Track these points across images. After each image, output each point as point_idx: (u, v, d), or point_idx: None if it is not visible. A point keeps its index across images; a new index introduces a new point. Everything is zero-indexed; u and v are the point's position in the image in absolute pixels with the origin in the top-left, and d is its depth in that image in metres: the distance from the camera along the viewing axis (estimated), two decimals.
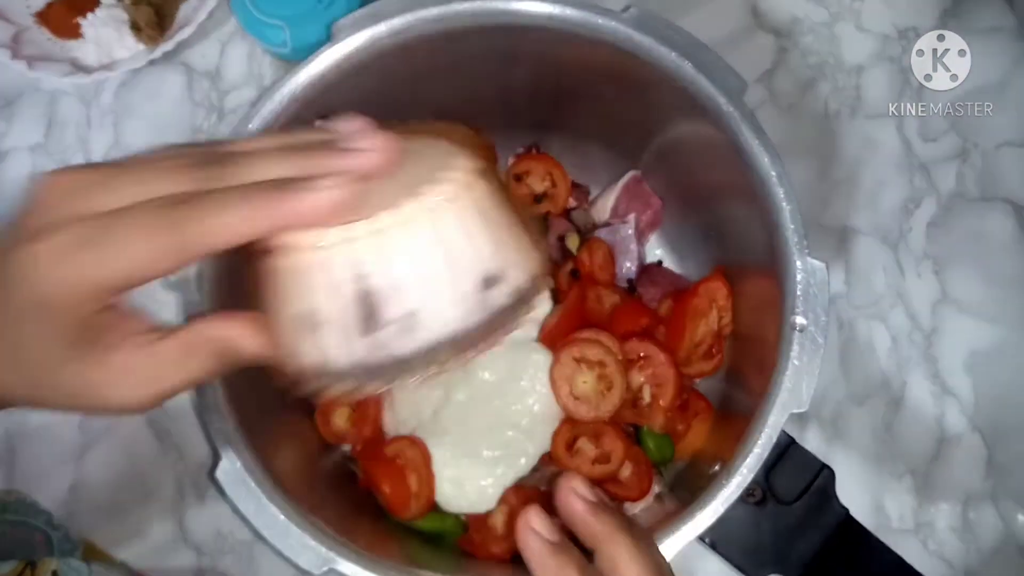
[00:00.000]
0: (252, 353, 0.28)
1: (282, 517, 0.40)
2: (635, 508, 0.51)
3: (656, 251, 0.60)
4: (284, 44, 0.58)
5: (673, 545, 0.40)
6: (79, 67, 0.62)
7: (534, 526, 0.31)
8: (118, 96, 0.64)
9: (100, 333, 0.26)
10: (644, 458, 0.51)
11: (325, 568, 0.39)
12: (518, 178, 0.58)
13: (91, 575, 0.46)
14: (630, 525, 0.31)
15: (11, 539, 0.50)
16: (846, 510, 0.44)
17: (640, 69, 0.45)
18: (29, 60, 0.61)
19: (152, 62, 0.61)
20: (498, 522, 0.50)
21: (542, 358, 0.50)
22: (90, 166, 0.26)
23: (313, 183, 0.25)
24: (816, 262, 0.42)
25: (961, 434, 0.58)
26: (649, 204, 0.57)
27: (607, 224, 0.57)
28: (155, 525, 0.56)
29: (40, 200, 0.25)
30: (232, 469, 0.40)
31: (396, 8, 0.45)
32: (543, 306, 0.52)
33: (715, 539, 0.43)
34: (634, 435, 0.52)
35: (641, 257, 0.58)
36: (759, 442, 0.40)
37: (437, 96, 0.53)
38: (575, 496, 0.31)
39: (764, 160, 0.44)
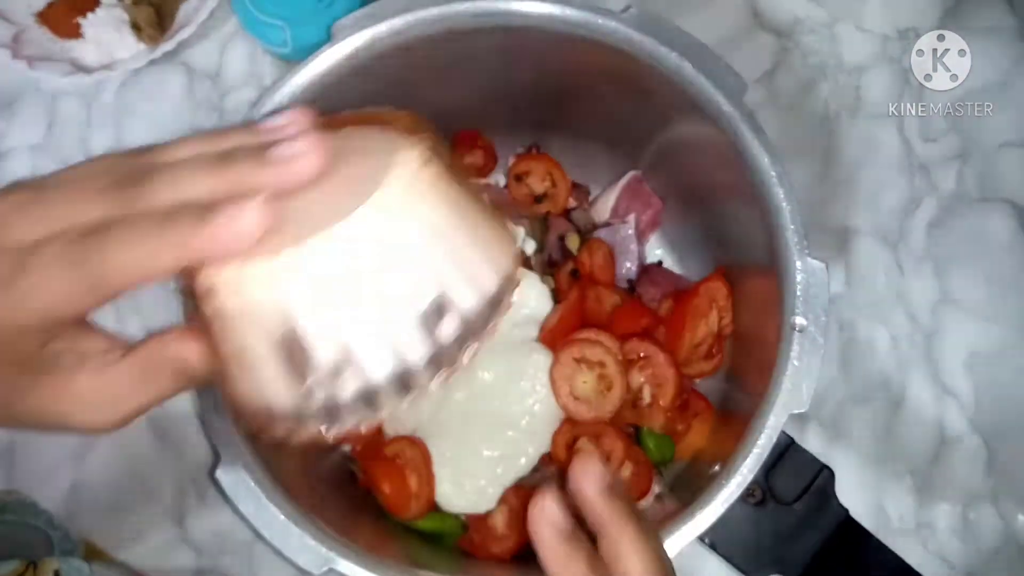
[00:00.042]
0: (207, 373, 0.27)
1: (282, 517, 0.40)
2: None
3: (656, 251, 0.60)
4: (284, 44, 0.58)
5: (673, 545, 0.40)
6: (79, 67, 0.62)
7: (547, 512, 0.30)
8: (118, 96, 0.64)
9: (55, 359, 0.26)
10: (644, 458, 0.51)
11: (325, 568, 0.39)
12: (518, 178, 0.58)
13: (92, 575, 0.46)
14: (638, 516, 0.31)
15: (11, 539, 0.50)
16: (846, 510, 0.44)
17: (640, 69, 0.45)
18: (29, 60, 0.61)
19: (152, 62, 0.62)
20: (498, 522, 0.50)
21: (542, 358, 0.50)
22: (10, 191, 0.24)
23: (225, 209, 0.22)
24: (816, 262, 0.42)
25: (961, 435, 0.58)
26: (649, 204, 0.57)
27: (607, 224, 0.57)
28: (155, 525, 0.56)
29: None
30: (232, 469, 0.40)
31: (396, 8, 0.45)
32: (543, 306, 0.52)
33: (715, 539, 0.43)
34: (634, 435, 0.52)
35: (641, 257, 0.58)
36: (759, 442, 0.40)
37: (437, 96, 0.53)
38: (590, 477, 0.30)
39: (764, 160, 0.44)
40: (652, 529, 0.31)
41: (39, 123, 0.64)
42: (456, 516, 0.51)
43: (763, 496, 0.43)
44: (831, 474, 0.44)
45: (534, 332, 0.51)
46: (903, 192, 0.63)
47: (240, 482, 0.40)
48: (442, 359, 0.24)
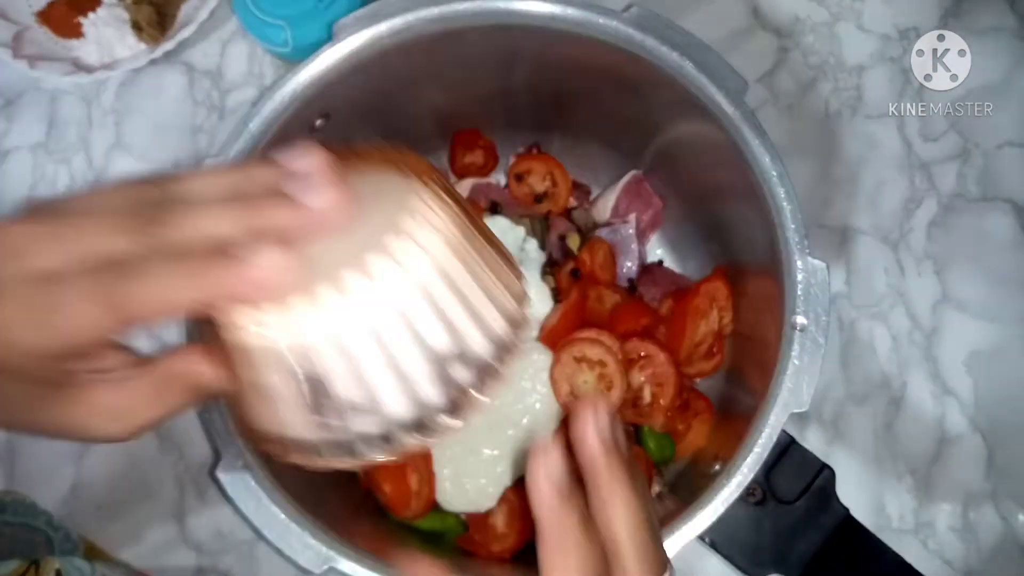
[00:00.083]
0: (222, 390, 0.28)
1: (282, 516, 0.40)
2: None
3: (657, 251, 0.60)
4: (285, 44, 0.58)
5: (673, 545, 0.40)
6: (80, 66, 0.62)
7: (551, 468, 0.28)
8: (119, 95, 0.64)
9: (75, 374, 0.27)
10: (645, 457, 0.51)
11: (325, 567, 0.39)
12: (519, 177, 0.58)
13: (94, 574, 0.46)
14: (634, 479, 0.30)
15: (11, 540, 0.50)
16: (846, 510, 0.44)
17: (641, 69, 0.45)
18: (30, 59, 0.61)
19: (153, 61, 0.62)
20: (499, 521, 0.50)
21: (543, 358, 0.50)
22: (32, 219, 0.25)
23: (253, 254, 0.23)
24: (817, 262, 0.42)
25: (961, 434, 0.58)
26: (650, 204, 0.57)
27: (608, 224, 0.57)
28: (155, 524, 0.56)
29: None
30: (233, 468, 0.40)
31: (397, 8, 0.45)
32: (544, 305, 0.52)
33: (715, 539, 0.43)
34: (634, 434, 0.52)
35: (642, 257, 0.58)
36: (759, 442, 0.40)
37: (438, 95, 0.53)
38: (593, 429, 0.29)
39: (765, 160, 0.44)
40: (646, 495, 0.30)
41: (40, 122, 0.64)
42: (456, 515, 0.51)
43: (763, 495, 0.43)
44: (832, 473, 0.44)
45: (535, 332, 0.51)
46: (903, 192, 0.63)
47: (240, 481, 0.40)
48: (458, 401, 0.25)
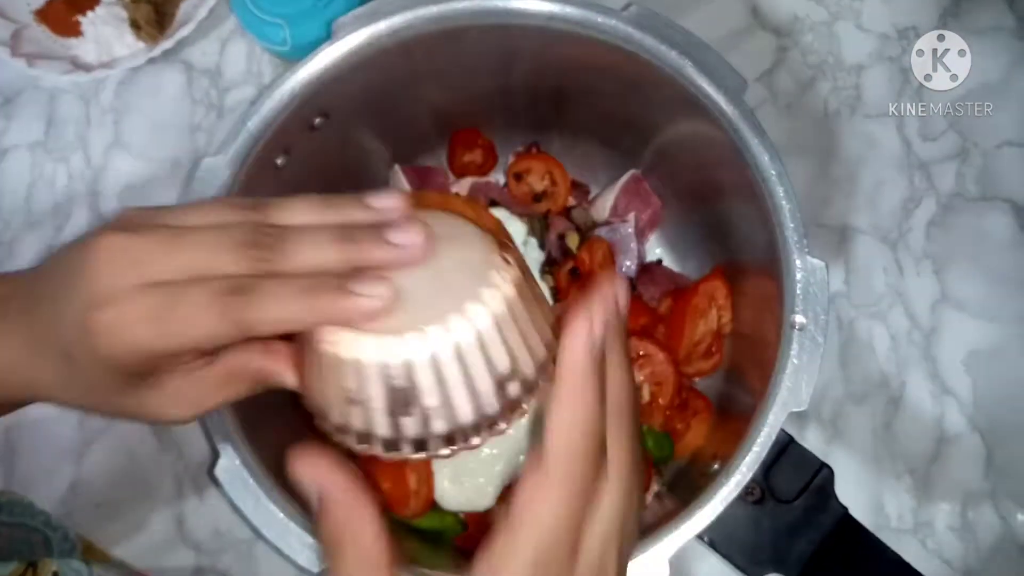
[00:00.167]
0: (290, 386, 0.31)
1: (281, 515, 0.40)
2: None
3: (656, 250, 0.60)
4: (284, 42, 0.58)
5: (672, 544, 0.40)
6: (79, 65, 0.62)
7: (595, 326, 0.28)
8: (118, 94, 0.64)
9: (155, 367, 0.29)
10: (644, 456, 0.51)
11: (324, 566, 0.39)
12: (518, 176, 0.58)
13: (91, 575, 0.46)
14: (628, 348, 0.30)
15: (9, 540, 0.50)
16: (845, 509, 0.44)
17: (640, 68, 0.45)
18: (29, 58, 0.61)
19: (152, 60, 0.61)
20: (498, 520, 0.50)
21: None
22: (149, 231, 0.27)
23: (362, 284, 0.27)
24: (816, 261, 0.42)
25: (960, 434, 0.58)
26: (649, 203, 0.57)
27: (607, 223, 0.57)
28: (154, 523, 0.56)
29: (103, 265, 0.27)
30: (231, 467, 0.40)
31: (396, 6, 0.45)
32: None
33: (714, 538, 0.43)
34: None
35: (641, 256, 0.58)
36: (758, 441, 0.40)
37: (437, 94, 0.53)
38: (584, 343, 0.27)
39: (764, 159, 0.44)
40: (629, 365, 0.30)
41: (38, 121, 0.64)
42: (455, 514, 0.51)
43: (762, 494, 0.43)
44: (830, 472, 0.44)
45: None
46: (903, 191, 0.63)
47: (239, 480, 0.40)
48: (509, 411, 0.29)
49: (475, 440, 0.29)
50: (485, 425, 0.29)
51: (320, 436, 0.30)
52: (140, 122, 0.64)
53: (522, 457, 0.50)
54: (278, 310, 0.26)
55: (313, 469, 0.27)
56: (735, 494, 0.40)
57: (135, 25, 0.63)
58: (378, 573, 0.27)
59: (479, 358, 0.27)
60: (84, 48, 0.63)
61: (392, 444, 0.28)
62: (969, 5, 0.66)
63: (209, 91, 0.64)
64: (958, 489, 0.57)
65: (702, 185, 0.53)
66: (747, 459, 0.40)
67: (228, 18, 0.65)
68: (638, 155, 0.57)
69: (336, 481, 0.27)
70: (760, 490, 0.44)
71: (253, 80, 0.64)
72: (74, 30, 0.64)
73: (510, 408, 0.29)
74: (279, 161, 0.46)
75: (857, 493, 0.57)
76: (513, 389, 0.29)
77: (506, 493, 0.50)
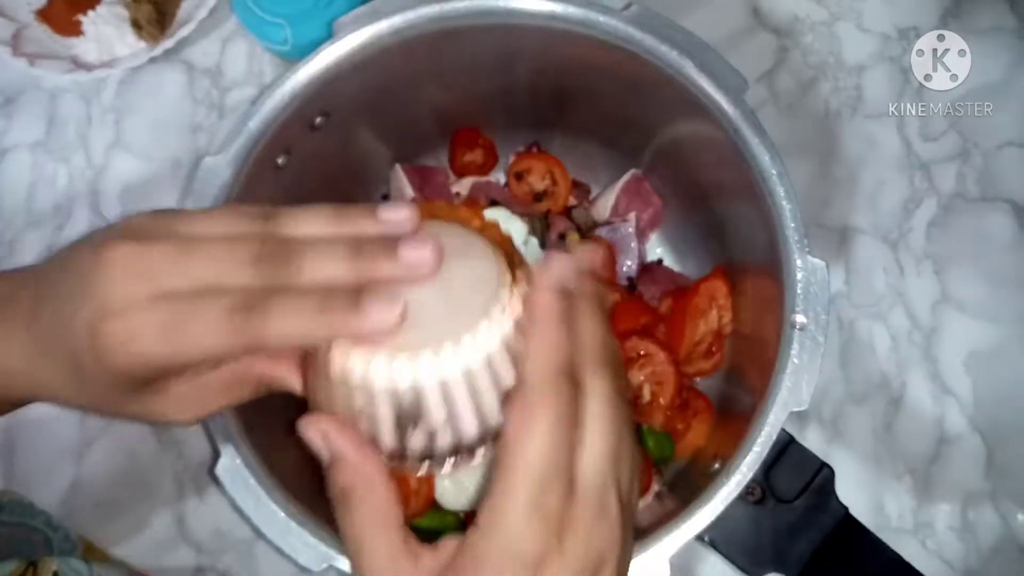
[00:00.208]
0: (295, 391, 0.31)
1: (282, 514, 0.40)
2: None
3: (657, 250, 0.60)
4: (285, 42, 0.58)
5: (673, 543, 0.40)
6: (80, 64, 0.62)
7: (561, 266, 0.29)
8: (119, 94, 0.64)
9: (163, 375, 0.29)
10: (644, 456, 0.51)
11: (325, 565, 0.39)
12: (519, 176, 0.58)
13: (92, 575, 0.46)
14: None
15: (10, 540, 0.50)
16: (846, 509, 0.44)
17: (641, 68, 0.45)
18: (30, 57, 0.61)
19: (153, 60, 0.62)
20: None
21: None
22: (159, 241, 0.27)
23: (375, 301, 0.27)
24: (816, 260, 0.42)
25: (961, 434, 0.58)
26: (650, 203, 0.57)
27: (608, 223, 0.57)
28: (155, 523, 0.56)
29: (114, 276, 0.27)
30: (232, 466, 0.40)
31: (397, 6, 0.45)
32: None
33: (715, 537, 0.43)
34: (634, 433, 0.52)
35: (642, 256, 0.58)
36: (759, 440, 0.40)
37: (438, 94, 0.53)
38: (550, 278, 0.28)
39: (765, 159, 0.44)
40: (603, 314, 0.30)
41: (39, 121, 0.64)
42: (456, 513, 0.51)
43: (763, 494, 0.43)
44: (831, 472, 0.44)
45: None
46: (903, 191, 0.63)
47: (240, 479, 0.40)
48: None
49: (479, 452, 0.29)
50: (489, 438, 0.29)
51: None
52: (141, 122, 0.64)
53: None
54: (289, 327, 0.26)
55: (324, 429, 0.28)
56: (735, 494, 0.40)
57: (136, 25, 0.63)
58: (387, 532, 0.27)
59: (487, 377, 0.28)
60: (85, 48, 0.63)
61: (396, 456, 0.29)
62: (970, 5, 0.66)
63: (210, 91, 0.64)
64: (958, 489, 0.57)
65: (703, 185, 0.53)
66: (747, 459, 0.40)
67: (229, 18, 0.65)
68: (639, 155, 0.57)
69: (347, 439, 0.28)
70: (761, 490, 0.44)
71: (254, 80, 0.65)
72: (75, 30, 0.64)
73: None
74: (280, 161, 0.46)
75: (857, 493, 0.57)
76: None
77: None
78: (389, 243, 0.28)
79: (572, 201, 0.59)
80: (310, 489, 0.44)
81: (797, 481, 0.44)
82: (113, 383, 0.28)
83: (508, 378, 0.28)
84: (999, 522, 0.57)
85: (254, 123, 0.43)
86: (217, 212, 0.29)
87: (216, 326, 0.26)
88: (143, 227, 0.28)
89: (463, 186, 0.59)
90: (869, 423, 0.58)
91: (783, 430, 0.41)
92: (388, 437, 0.28)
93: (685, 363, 0.52)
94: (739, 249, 0.51)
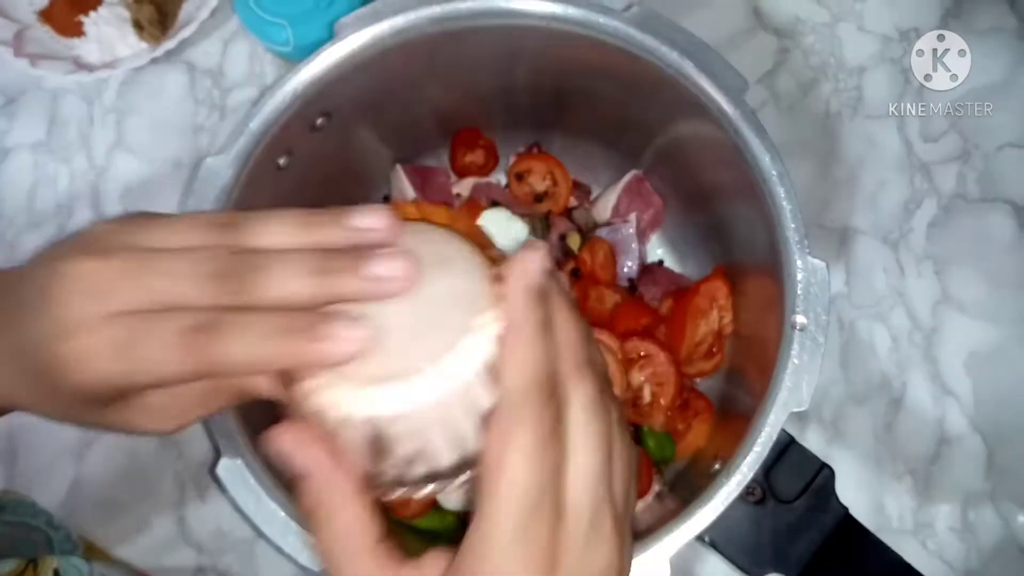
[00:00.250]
0: (271, 396, 0.30)
1: (282, 514, 0.40)
2: (636, 506, 0.51)
3: (657, 250, 0.60)
4: (286, 43, 0.58)
5: (673, 544, 0.40)
6: (81, 65, 0.62)
7: (533, 265, 0.26)
8: (120, 94, 0.65)
9: (130, 392, 0.28)
10: (644, 457, 0.51)
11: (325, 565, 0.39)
12: (519, 177, 0.58)
13: (92, 573, 0.46)
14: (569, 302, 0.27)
15: (10, 539, 0.50)
16: (846, 509, 0.44)
17: (641, 68, 0.45)
18: (31, 58, 0.61)
19: (154, 60, 0.62)
20: None
21: None
22: (116, 255, 0.26)
23: (335, 328, 0.25)
24: (817, 261, 0.42)
25: (961, 435, 0.58)
26: (650, 203, 0.57)
27: (608, 223, 0.57)
28: (155, 523, 0.56)
29: (69, 294, 0.26)
30: (233, 466, 0.40)
31: (398, 7, 0.45)
32: None
33: (715, 538, 0.43)
34: (635, 434, 0.52)
35: (642, 256, 0.58)
36: (759, 441, 0.40)
37: (438, 94, 0.53)
38: (521, 282, 0.26)
39: (765, 160, 0.44)
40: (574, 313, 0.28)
41: (41, 121, 0.64)
42: (455, 514, 0.51)
43: (763, 494, 0.43)
44: (831, 473, 0.44)
45: None
46: (903, 192, 0.63)
47: (240, 479, 0.40)
48: None
49: (460, 478, 0.27)
50: (469, 463, 0.26)
51: None
52: (142, 122, 0.64)
53: None
54: (245, 352, 0.25)
55: (291, 442, 0.26)
56: (736, 494, 0.40)
57: (138, 25, 0.63)
58: (358, 553, 0.26)
59: (461, 407, 0.25)
60: (87, 48, 0.64)
61: (368, 479, 0.27)
62: (970, 6, 0.66)
63: (211, 91, 0.64)
64: (959, 490, 0.57)
65: (703, 186, 0.53)
66: (748, 459, 0.40)
67: (230, 19, 0.65)
68: (639, 155, 0.57)
69: (314, 453, 0.26)
70: (761, 490, 0.44)
71: (255, 80, 0.65)
72: (77, 30, 0.64)
73: None
74: (281, 161, 0.46)
75: (858, 494, 0.57)
76: None
77: None
78: (358, 256, 0.26)
79: (573, 202, 0.59)
80: None
81: (797, 481, 0.44)
82: (82, 398, 0.27)
83: (488, 401, 0.25)
84: (999, 523, 0.57)
85: (255, 124, 0.43)
86: (178, 221, 0.27)
87: (169, 349, 0.25)
88: (103, 238, 0.27)
89: (464, 187, 0.59)
90: (869, 423, 0.58)
91: (783, 430, 0.41)
92: (358, 461, 0.26)
93: (686, 364, 0.52)
94: (739, 250, 0.51)
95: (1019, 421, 0.59)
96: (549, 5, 0.45)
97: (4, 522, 0.51)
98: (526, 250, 0.26)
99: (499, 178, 0.61)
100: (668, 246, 0.59)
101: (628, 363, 0.51)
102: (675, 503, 0.46)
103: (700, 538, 0.41)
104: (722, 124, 0.44)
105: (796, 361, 0.41)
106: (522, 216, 0.55)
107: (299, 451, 0.26)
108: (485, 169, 0.59)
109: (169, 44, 0.61)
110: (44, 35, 0.64)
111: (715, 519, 0.40)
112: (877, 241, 0.62)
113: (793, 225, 0.43)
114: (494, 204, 0.56)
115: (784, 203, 0.43)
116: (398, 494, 0.27)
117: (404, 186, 0.57)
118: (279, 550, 0.39)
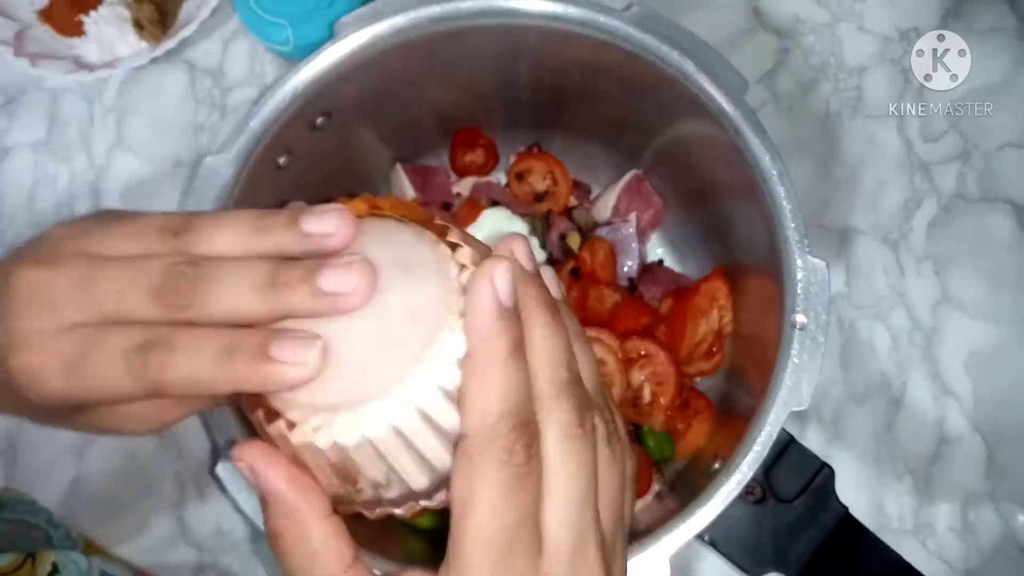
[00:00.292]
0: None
1: None
2: (635, 507, 0.51)
3: (657, 250, 0.60)
4: (286, 42, 0.58)
5: (673, 543, 0.40)
6: (82, 65, 0.62)
7: (496, 280, 0.23)
8: (120, 94, 0.65)
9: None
10: (644, 456, 0.51)
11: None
12: (519, 176, 0.58)
13: (91, 567, 0.46)
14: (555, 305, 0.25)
15: (10, 537, 0.50)
16: (846, 508, 0.44)
17: (642, 68, 0.46)
18: (32, 57, 0.61)
19: (155, 60, 0.62)
20: None
21: None
22: (66, 264, 0.25)
23: (284, 351, 0.23)
24: (817, 260, 0.42)
25: (961, 434, 0.58)
26: (650, 203, 0.58)
27: (608, 223, 0.57)
28: (155, 522, 0.56)
29: (20, 306, 0.25)
30: (233, 466, 0.40)
31: (398, 6, 0.45)
32: None
33: (715, 537, 0.43)
34: (634, 433, 0.52)
35: (642, 256, 0.58)
36: (759, 440, 0.40)
37: (439, 94, 0.53)
38: (488, 296, 0.23)
39: (765, 159, 0.44)
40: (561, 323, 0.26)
41: (41, 121, 0.64)
42: None
43: (763, 494, 0.43)
44: (831, 472, 0.44)
45: None
46: (903, 192, 0.63)
47: (241, 478, 0.40)
48: None
49: (437, 496, 0.25)
50: (445, 484, 0.25)
51: None
52: (143, 122, 0.64)
53: None
54: (191, 374, 0.23)
55: (255, 462, 0.24)
56: (736, 493, 0.40)
57: (138, 25, 0.63)
58: None
59: (424, 429, 0.24)
60: (87, 48, 0.64)
61: (343, 501, 0.26)
62: (970, 6, 0.66)
63: (212, 91, 0.64)
64: (959, 490, 0.57)
65: (703, 185, 0.53)
66: (748, 458, 0.40)
67: (231, 18, 0.65)
68: (639, 155, 0.57)
69: (277, 474, 0.24)
70: (761, 490, 0.44)
71: (256, 80, 0.65)
72: (77, 30, 0.64)
73: None
74: (281, 160, 0.46)
75: (858, 493, 0.57)
76: None
77: None
78: (310, 269, 0.24)
79: (573, 201, 0.59)
80: None
81: (797, 481, 0.44)
82: (46, 407, 0.26)
83: (454, 420, 0.24)
84: (999, 523, 0.57)
85: (255, 123, 0.43)
86: (133, 223, 0.26)
87: (113, 368, 0.24)
88: (57, 244, 0.26)
89: (464, 186, 0.59)
90: (869, 423, 0.58)
91: (783, 430, 0.41)
92: (332, 484, 0.25)
93: (686, 363, 0.52)
94: (739, 249, 0.51)
95: (1019, 421, 0.59)
96: (549, 4, 0.45)
97: (4, 520, 0.51)
98: (493, 259, 0.24)
99: (499, 177, 0.61)
100: (668, 246, 0.60)
101: (628, 363, 0.51)
102: (675, 502, 0.46)
103: (700, 537, 0.41)
104: (722, 124, 0.44)
105: (796, 360, 0.41)
106: (522, 216, 0.55)
107: (264, 471, 0.24)
108: (485, 168, 0.60)
109: (169, 43, 0.61)
110: (44, 34, 0.64)
111: (715, 518, 0.40)
112: (877, 241, 0.62)
113: (793, 225, 0.43)
114: (494, 203, 0.56)
115: (784, 203, 0.43)
116: (377, 513, 0.26)
117: (404, 186, 0.57)
118: None
